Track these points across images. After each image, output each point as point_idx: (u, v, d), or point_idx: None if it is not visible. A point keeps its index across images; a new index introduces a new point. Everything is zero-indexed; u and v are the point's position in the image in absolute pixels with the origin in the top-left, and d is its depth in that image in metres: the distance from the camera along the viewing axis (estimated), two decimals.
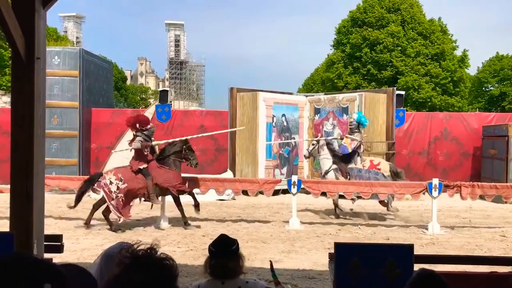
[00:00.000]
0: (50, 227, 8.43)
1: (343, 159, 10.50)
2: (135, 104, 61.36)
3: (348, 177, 10.25)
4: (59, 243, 3.64)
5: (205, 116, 16.33)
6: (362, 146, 10.92)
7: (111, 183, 8.60)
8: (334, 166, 10.37)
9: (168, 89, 17.97)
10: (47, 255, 3.39)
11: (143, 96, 74.26)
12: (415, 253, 6.29)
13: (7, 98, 24.69)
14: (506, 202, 11.12)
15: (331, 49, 34.86)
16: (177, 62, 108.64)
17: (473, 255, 6.68)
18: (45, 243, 3.42)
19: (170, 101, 16.95)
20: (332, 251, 3.07)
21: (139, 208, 11.36)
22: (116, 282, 1.27)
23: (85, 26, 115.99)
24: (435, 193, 9.09)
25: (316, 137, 11.77)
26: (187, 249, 7.33)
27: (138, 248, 1.34)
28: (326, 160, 10.56)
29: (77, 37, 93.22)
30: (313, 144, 11.02)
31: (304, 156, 11.84)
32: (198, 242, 7.66)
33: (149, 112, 15.98)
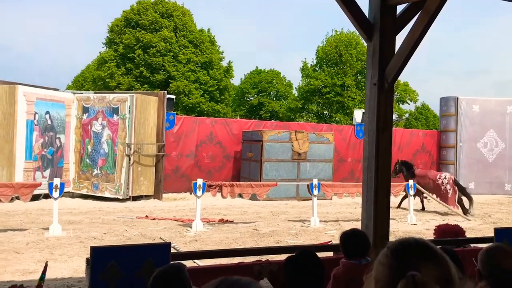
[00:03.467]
0: None
1: None
2: None
3: None
4: None
5: None
6: None
7: None
8: None
9: None
10: None
11: None
12: (181, 250, 6.55)
13: None
14: (259, 199, 12.58)
15: (103, 47, 33.67)
16: None
17: (225, 248, 7.33)
18: None
19: None
20: None
21: None
22: None
23: None
24: (199, 193, 9.65)
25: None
26: None
27: None
28: None
29: None
30: None
31: None
32: None
33: None
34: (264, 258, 4.25)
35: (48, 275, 5.84)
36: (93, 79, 35.33)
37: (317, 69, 36.95)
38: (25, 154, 12.91)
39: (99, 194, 13.78)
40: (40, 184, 9.54)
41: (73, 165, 14.28)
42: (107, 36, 32.81)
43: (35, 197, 11.76)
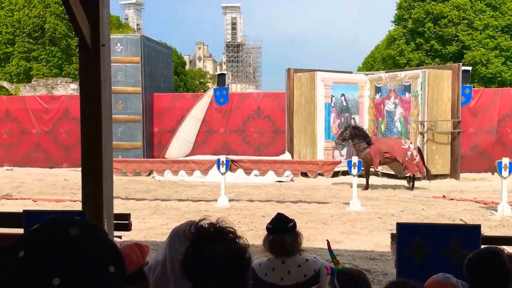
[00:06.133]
0: (118, 207, 8.86)
1: None
2: (194, 89, 62.53)
3: None
4: (127, 222, 3.82)
5: (262, 98, 16.35)
6: None
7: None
8: None
9: (225, 72, 18.11)
10: (116, 233, 3.59)
11: (202, 80, 75.41)
12: (485, 234, 6.06)
13: (75, 85, 25.93)
14: None
15: (392, 25, 33.68)
16: (234, 45, 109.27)
17: None
18: (114, 221, 3.60)
19: (228, 85, 17.11)
20: (394, 231, 3.02)
21: (201, 189, 11.68)
22: (187, 256, 1.31)
23: (144, 13, 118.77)
24: (505, 173, 8.62)
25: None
26: (247, 229, 7.46)
27: (203, 224, 1.40)
28: None
29: (137, 24, 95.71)
30: None
31: None
32: (258, 222, 7.78)
33: (208, 96, 16.27)
34: None
35: (351, 247, 6.29)
36: (382, 59, 35.83)
37: None
38: (325, 134, 14.15)
39: (392, 172, 13.93)
40: (340, 162, 10.31)
41: None
42: (396, 14, 32.65)
43: (335, 174, 12.79)
